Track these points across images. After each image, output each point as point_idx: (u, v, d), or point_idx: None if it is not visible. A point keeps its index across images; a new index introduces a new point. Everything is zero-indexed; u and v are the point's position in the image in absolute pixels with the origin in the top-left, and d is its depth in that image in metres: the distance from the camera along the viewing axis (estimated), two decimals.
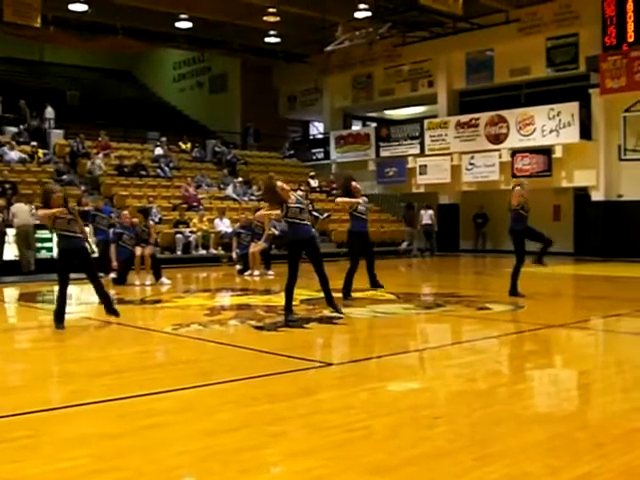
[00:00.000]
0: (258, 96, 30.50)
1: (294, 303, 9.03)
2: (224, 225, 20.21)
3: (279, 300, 10.91)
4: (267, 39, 27.44)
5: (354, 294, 10.60)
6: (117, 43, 25.80)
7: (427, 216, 23.62)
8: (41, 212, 8.60)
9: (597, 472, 3.60)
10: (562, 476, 3.54)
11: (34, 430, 4.31)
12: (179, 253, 19.20)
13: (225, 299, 12.15)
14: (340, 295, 10.12)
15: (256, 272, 15.74)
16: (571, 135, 21.81)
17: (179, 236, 19.26)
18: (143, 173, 22.68)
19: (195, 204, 21.53)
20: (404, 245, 23.66)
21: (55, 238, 8.76)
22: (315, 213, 23.53)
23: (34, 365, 6.52)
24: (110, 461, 3.75)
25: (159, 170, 23.37)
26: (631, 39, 20.54)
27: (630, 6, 20.48)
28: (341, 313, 8.88)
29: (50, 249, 16.52)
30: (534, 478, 3.55)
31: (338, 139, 28.23)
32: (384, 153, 26.54)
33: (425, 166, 25.28)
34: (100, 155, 22.50)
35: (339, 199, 10.84)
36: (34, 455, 3.86)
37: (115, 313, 8.59)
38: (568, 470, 3.61)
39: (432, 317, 9.47)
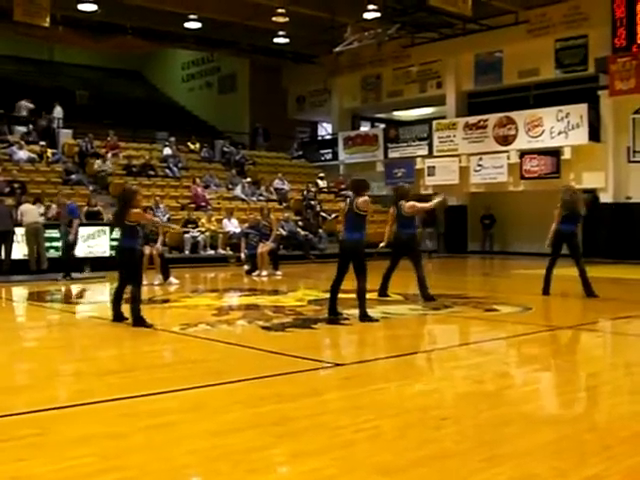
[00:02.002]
0: (267, 96, 30.53)
1: (302, 304, 9.02)
2: (232, 225, 20.24)
3: (287, 300, 10.95)
4: (276, 39, 27.43)
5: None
6: (126, 43, 25.87)
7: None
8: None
9: (604, 474, 3.59)
10: (569, 478, 3.53)
11: (41, 429, 4.32)
12: (187, 253, 19.22)
13: (233, 299, 12.15)
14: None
15: (264, 272, 15.75)
16: (580, 137, 21.74)
17: (187, 236, 19.29)
18: (151, 173, 22.71)
19: (203, 204, 21.56)
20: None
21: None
22: (323, 214, 23.57)
23: (42, 364, 6.54)
24: (116, 460, 3.76)
25: (167, 170, 23.41)
26: None
27: None
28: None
29: (58, 248, 16.59)
30: None
31: (346, 140, 28.22)
32: (392, 154, 26.52)
33: (433, 167, 25.24)
34: (109, 155, 22.56)
35: (412, 204, 10.86)
36: (41, 454, 3.87)
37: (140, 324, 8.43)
38: (575, 472, 3.60)
39: (440, 318, 9.45)
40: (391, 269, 11.06)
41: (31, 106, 24.45)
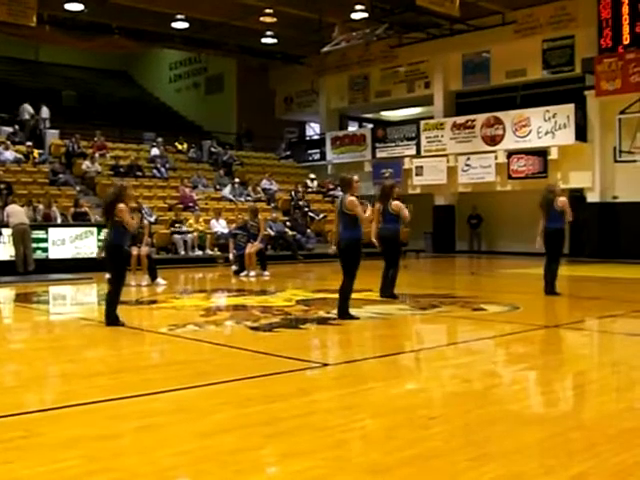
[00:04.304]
0: (254, 97, 30.49)
1: (290, 304, 9.01)
2: (220, 226, 20.19)
3: (275, 301, 10.93)
4: (264, 40, 27.42)
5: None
6: (113, 43, 25.76)
7: None
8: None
9: (592, 472, 3.61)
10: (557, 476, 3.55)
11: (28, 431, 4.30)
12: (182, 253, 19.16)
13: (221, 300, 12.13)
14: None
15: (252, 273, 15.73)
16: (566, 137, 21.85)
17: (178, 237, 19.22)
18: (139, 174, 22.63)
19: (191, 205, 21.51)
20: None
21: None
22: (311, 214, 23.56)
23: (29, 366, 6.50)
24: (104, 462, 3.74)
25: (155, 170, 23.33)
26: (626, 41, 20.59)
27: (626, 9, 20.53)
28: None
29: (45, 249, 16.52)
30: (529, 478, 3.55)
31: (334, 140, 28.22)
32: (380, 154, 26.54)
33: (421, 167, 25.30)
34: (96, 155, 22.48)
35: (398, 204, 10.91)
36: (28, 456, 3.85)
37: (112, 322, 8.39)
38: (563, 470, 3.62)
39: (427, 318, 9.47)
40: (388, 268, 11.11)
41: (31, 110, 24.29)
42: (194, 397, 5.17)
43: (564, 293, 11.49)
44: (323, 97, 30.22)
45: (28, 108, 24.16)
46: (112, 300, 8.41)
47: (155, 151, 24.27)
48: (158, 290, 13.13)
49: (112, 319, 8.31)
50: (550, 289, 11.28)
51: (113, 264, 8.54)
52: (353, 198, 8.66)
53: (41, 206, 17.89)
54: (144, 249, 13.98)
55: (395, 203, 10.87)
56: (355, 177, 8.96)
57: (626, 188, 21.48)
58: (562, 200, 11.28)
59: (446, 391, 5.52)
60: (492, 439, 4.17)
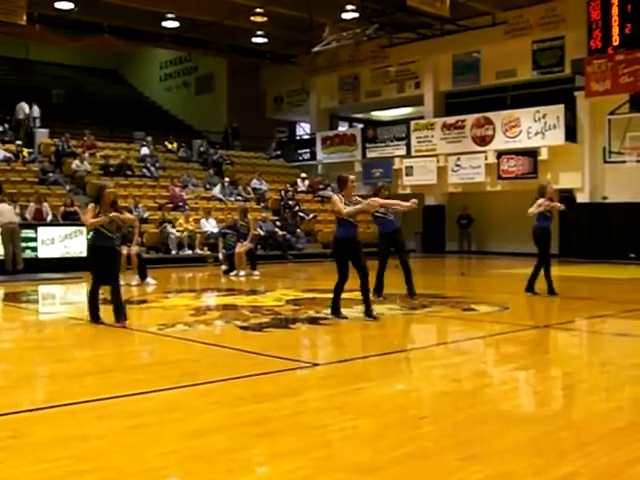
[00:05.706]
0: (245, 96, 30.45)
1: (279, 304, 9.01)
2: (210, 225, 20.16)
3: (264, 300, 10.92)
4: (254, 39, 27.41)
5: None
6: (103, 42, 25.68)
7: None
8: (90, 220, 8.39)
9: (582, 471, 3.61)
10: (547, 475, 3.55)
11: (16, 431, 4.27)
12: (174, 252, 19.13)
13: (211, 299, 12.11)
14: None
15: (242, 272, 15.72)
16: (556, 137, 21.93)
17: (172, 236, 19.20)
18: (129, 173, 22.57)
19: (181, 204, 21.46)
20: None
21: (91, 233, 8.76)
22: (301, 214, 23.55)
23: (17, 365, 6.47)
24: (92, 462, 3.72)
25: (145, 170, 23.27)
26: (616, 43, 20.65)
27: (615, 10, 20.60)
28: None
29: (34, 249, 16.44)
30: (519, 477, 3.55)
31: (324, 140, 28.22)
32: (370, 154, 26.56)
33: (411, 167, 25.34)
34: (86, 154, 22.40)
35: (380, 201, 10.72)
36: (15, 456, 3.82)
37: (121, 320, 8.29)
38: (553, 469, 3.62)
39: (417, 318, 9.47)
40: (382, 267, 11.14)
41: (27, 109, 24.15)
42: (184, 397, 5.15)
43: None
44: (313, 97, 30.22)
45: (24, 107, 24.02)
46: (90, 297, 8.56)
47: (145, 150, 24.22)
48: (148, 289, 13.09)
49: (94, 317, 8.47)
50: (529, 287, 11.36)
51: (90, 263, 8.63)
52: (335, 197, 8.69)
53: (32, 203, 17.81)
54: (134, 248, 13.94)
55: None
56: (351, 177, 8.94)
57: (615, 189, 21.58)
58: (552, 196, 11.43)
59: (436, 391, 5.52)
60: (482, 439, 4.17)
